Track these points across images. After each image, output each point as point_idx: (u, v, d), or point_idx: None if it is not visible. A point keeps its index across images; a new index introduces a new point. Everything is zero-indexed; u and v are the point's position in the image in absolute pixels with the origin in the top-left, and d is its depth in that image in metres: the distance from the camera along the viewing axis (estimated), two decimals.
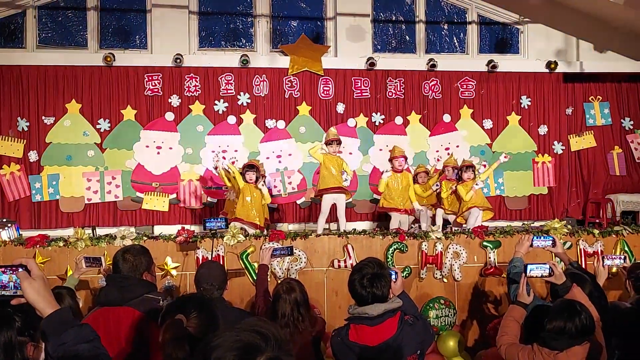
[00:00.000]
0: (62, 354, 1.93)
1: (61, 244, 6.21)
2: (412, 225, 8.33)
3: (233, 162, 8.16)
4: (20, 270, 1.94)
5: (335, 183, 7.81)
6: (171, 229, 7.91)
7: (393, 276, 3.41)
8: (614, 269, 5.46)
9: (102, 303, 3.19)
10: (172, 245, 6.37)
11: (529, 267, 3.80)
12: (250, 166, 7.63)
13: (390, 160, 8.25)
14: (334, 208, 7.99)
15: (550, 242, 4.51)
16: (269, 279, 4.87)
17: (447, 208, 8.44)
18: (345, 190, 7.98)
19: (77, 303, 4.07)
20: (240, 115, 10.00)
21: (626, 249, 6.77)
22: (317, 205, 10.01)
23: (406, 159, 8.22)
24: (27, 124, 9.50)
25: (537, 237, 4.54)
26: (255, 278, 6.08)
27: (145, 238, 6.42)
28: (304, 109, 10.16)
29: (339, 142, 7.96)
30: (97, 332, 2.08)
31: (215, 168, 8.65)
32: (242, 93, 10.01)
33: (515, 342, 3.62)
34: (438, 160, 10.04)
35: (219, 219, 6.17)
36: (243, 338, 1.41)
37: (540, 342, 3.38)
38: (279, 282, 4.61)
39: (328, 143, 7.88)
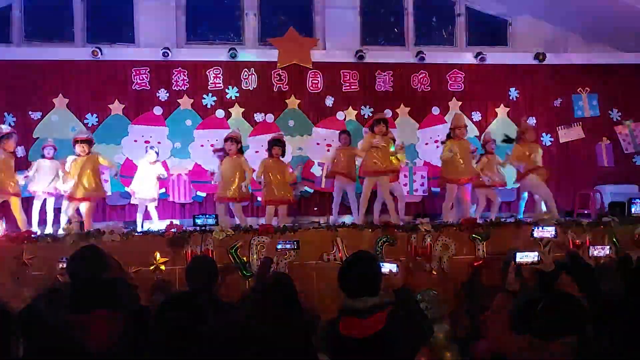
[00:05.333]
0: None
1: (49, 239, 6.16)
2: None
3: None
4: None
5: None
6: (160, 224, 7.87)
7: (394, 269, 3.42)
8: (602, 260, 5.49)
9: (76, 311, 3.03)
10: (161, 240, 6.34)
11: (518, 254, 3.82)
12: (231, 139, 7.97)
13: (453, 129, 8.14)
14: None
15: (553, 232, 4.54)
16: None
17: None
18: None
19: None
20: (229, 109, 9.97)
21: (614, 240, 6.80)
22: (306, 200, 10.02)
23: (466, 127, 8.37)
24: (14, 119, 9.41)
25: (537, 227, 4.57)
26: (245, 272, 6.13)
27: (134, 233, 6.38)
28: (292, 102, 10.13)
29: (385, 122, 8.19)
30: (82, 337, 2.02)
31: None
32: (230, 87, 9.97)
33: (506, 331, 3.62)
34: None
35: (208, 216, 6.19)
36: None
37: (531, 332, 3.39)
38: (268, 276, 4.60)
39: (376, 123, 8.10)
